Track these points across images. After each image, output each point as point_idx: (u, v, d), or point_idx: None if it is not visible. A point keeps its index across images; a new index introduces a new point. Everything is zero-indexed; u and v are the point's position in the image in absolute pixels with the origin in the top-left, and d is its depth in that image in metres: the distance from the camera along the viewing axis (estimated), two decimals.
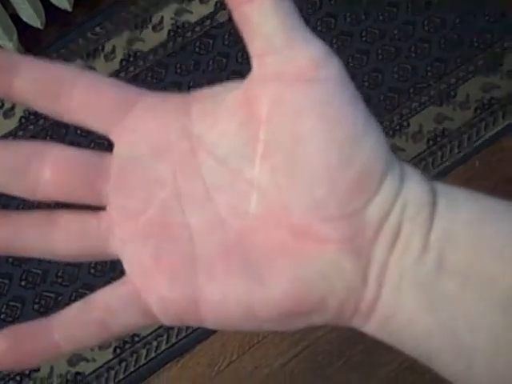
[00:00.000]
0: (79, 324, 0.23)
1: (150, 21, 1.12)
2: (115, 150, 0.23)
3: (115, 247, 0.23)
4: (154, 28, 1.12)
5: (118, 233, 0.23)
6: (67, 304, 0.23)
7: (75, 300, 0.23)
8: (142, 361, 0.97)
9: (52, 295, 0.99)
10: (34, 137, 1.05)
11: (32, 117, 1.07)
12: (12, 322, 0.89)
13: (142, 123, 0.23)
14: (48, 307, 0.97)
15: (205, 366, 0.96)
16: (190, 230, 0.23)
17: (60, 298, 0.98)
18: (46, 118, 1.03)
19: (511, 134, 1.05)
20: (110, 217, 0.23)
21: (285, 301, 0.22)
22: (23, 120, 1.07)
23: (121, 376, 0.96)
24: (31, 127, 1.07)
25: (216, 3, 1.12)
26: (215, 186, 0.23)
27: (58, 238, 0.23)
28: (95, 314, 0.23)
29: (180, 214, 0.23)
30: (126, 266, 0.23)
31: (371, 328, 0.22)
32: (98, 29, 1.12)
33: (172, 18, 1.12)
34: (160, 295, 0.22)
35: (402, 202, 0.22)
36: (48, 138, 1.05)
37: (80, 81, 0.23)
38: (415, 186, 0.22)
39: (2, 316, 0.98)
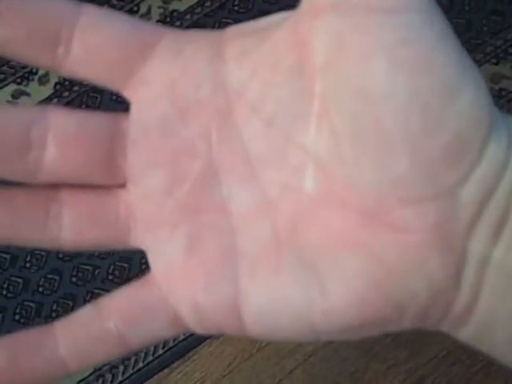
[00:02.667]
0: (89, 336, 0.18)
1: None
2: (132, 110, 0.18)
3: (137, 237, 0.18)
4: None
5: (140, 218, 0.18)
6: None
7: None
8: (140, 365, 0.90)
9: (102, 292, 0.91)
10: (69, 103, 1.01)
11: (67, 83, 1.02)
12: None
13: (163, 73, 0.18)
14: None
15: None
16: (229, 215, 0.18)
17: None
18: (81, 83, 0.99)
19: None
20: (130, 198, 0.18)
21: (352, 311, 0.17)
22: (58, 86, 1.03)
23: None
24: (66, 93, 1.03)
25: None
26: (261, 157, 0.18)
27: (65, 225, 0.18)
28: (110, 324, 0.18)
29: (217, 195, 0.18)
30: (150, 262, 0.18)
31: (467, 335, 0.17)
32: None
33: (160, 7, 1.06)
34: (193, 300, 0.18)
35: (510, 177, 0.16)
36: (83, 105, 1.01)
37: (81, 18, 0.17)
38: None
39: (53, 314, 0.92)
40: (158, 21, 1.05)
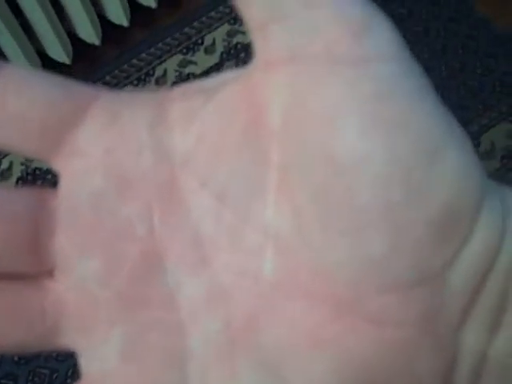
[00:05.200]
0: None
1: (202, 43, 1.06)
2: (61, 185, 0.16)
3: (68, 336, 0.15)
4: (206, 50, 1.06)
5: (70, 314, 0.15)
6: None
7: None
8: None
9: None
10: None
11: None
12: None
13: (97, 141, 0.15)
14: None
15: None
16: (176, 309, 0.15)
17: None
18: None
19: None
20: (59, 289, 0.15)
21: None
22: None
23: None
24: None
25: None
26: (212, 238, 0.15)
27: None
28: None
29: (162, 285, 0.15)
30: (82, 367, 0.15)
31: None
32: (152, 50, 1.06)
33: (224, 40, 1.06)
34: None
35: (507, 256, 0.13)
36: None
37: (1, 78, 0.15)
38: None
39: None
40: (173, 82, 1.05)
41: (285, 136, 0.14)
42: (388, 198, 0.13)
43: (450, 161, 0.13)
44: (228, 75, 0.15)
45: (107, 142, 0.15)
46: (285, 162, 0.14)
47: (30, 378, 0.87)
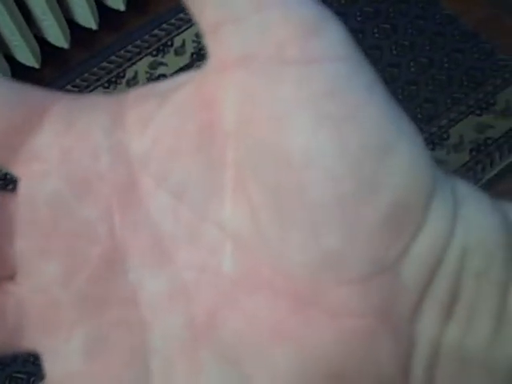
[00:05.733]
0: None
1: (172, 45, 1.06)
2: (20, 189, 0.16)
3: (30, 338, 0.15)
4: (176, 52, 1.06)
5: (32, 317, 0.15)
6: None
7: None
8: None
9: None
10: None
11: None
12: None
13: (54, 145, 0.15)
14: None
15: None
16: (138, 307, 0.15)
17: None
18: None
19: (509, 175, 0.96)
20: (20, 292, 0.15)
21: None
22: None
23: None
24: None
25: None
26: (171, 236, 0.15)
27: None
28: None
29: (123, 284, 0.15)
30: (46, 368, 0.15)
31: None
32: (122, 52, 1.05)
33: (194, 41, 1.06)
34: None
35: (458, 246, 0.14)
36: None
37: None
38: (479, 220, 0.14)
39: None
40: (145, 84, 1.04)
41: (238, 135, 0.14)
42: (339, 192, 0.13)
43: (400, 155, 0.13)
44: (182, 78, 0.16)
45: (64, 146, 0.15)
46: (239, 160, 0.14)
47: (7, 383, 0.86)
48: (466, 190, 0.14)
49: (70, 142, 0.15)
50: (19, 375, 0.86)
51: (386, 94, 0.14)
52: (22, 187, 0.15)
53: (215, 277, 0.15)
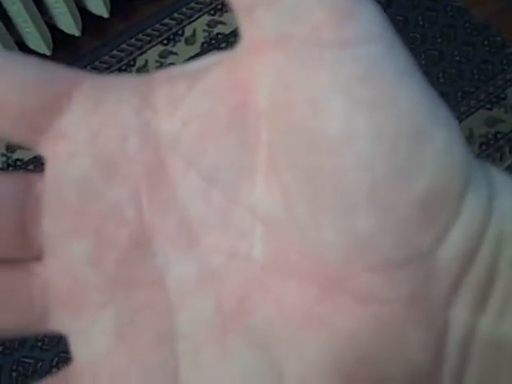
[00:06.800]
0: None
1: (183, 34, 1.06)
2: (47, 170, 0.15)
3: (57, 320, 0.15)
4: (186, 41, 1.06)
5: (59, 297, 0.15)
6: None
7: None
8: None
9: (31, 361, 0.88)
10: None
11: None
12: None
13: (82, 125, 0.15)
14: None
15: None
16: (166, 290, 0.15)
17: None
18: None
19: None
20: (47, 273, 0.15)
21: None
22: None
23: None
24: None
25: None
26: (201, 220, 0.15)
27: None
28: None
29: (151, 267, 0.15)
30: (73, 350, 0.15)
31: None
32: (133, 40, 1.06)
33: (205, 30, 1.06)
34: None
35: (494, 234, 0.14)
36: None
37: None
38: None
39: None
40: None
41: (272, 117, 0.14)
42: (373, 178, 0.13)
43: (435, 140, 0.13)
44: (209, 60, 0.15)
45: (92, 126, 0.15)
46: (272, 142, 0.14)
47: (15, 367, 0.86)
48: (500, 178, 0.14)
49: (98, 121, 0.15)
50: (27, 360, 0.87)
51: (421, 77, 0.14)
52: (50, 168, 0.15)
53: (245, 262, 0.15)
